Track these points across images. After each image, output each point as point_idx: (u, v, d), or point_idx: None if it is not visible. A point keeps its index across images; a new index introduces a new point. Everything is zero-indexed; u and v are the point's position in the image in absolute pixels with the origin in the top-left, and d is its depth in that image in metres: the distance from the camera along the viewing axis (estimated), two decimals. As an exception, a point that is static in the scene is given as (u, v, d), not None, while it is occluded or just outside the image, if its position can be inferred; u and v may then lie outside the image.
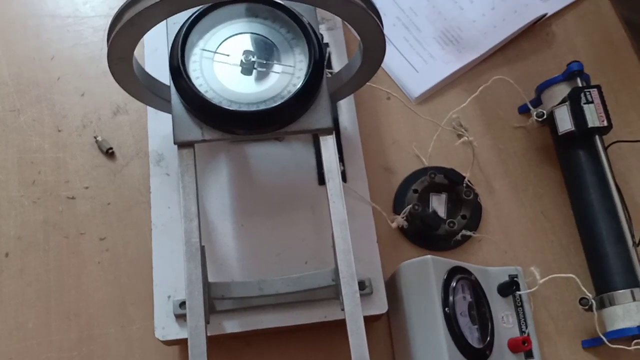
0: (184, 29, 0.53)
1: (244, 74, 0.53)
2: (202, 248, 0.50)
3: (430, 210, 0.65)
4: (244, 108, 0.52)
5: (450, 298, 0.54)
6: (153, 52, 0.66)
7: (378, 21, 0.49)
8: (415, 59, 0.72)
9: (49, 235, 0.64)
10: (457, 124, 0.69)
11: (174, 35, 0.54)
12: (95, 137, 0.67)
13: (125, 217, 0.65)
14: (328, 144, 0.53)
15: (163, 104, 0.57)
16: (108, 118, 0.69)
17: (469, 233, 0.63)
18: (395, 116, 0.71)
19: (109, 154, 0.67)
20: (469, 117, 0.70)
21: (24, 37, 0.72)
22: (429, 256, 0.55)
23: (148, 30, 0.47)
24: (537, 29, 0.75)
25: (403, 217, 0.63)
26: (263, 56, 0.54)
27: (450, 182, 0.65)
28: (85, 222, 0.65)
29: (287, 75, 0.53)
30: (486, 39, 0.72)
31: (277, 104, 0.52)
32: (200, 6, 0.53)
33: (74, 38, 0.72)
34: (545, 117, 0.65)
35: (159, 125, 0.64)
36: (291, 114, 0.52)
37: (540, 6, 0.73)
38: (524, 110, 0.70)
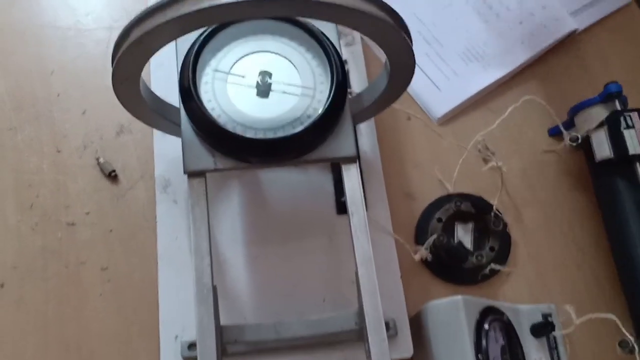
0: (196, 47, 0.49)
1: (260, 97, 0.49)
2: (214, 288, 0.46)
3: (456, 241, 0.61)
4: (260, 135, 0.47)
5: (483, 342, 0.49)
6: (159, 66, 0.62)
7: (409, 40, 0.45)
8: (438, 76, 0.68)
9: (48, 264, 0.60)
10: (483, 147, 0.65)
11: (184, 54, 0.50)
12: (97, 159, 0.63)
13: (129, 245, 0.61)
14: (351, 174, 0.49)
15: (171, 127, 0.53)
16: (111, 138, 0.65)
17: (497, 267, 0.59)
18: (416, 138, 0.66)
19: (112, 176, 0.63)
20: (495, 139, 0.66)
21: (21, 49, 0.68)
22: (459, 297, 0.50)
23: (157, 49, 0.42)
24: (567, 45, 0.71)
25: (427, 249, 0.59)
26: (281, 77, 0.50)
27: (477, 210, 0.61)
28: (86, 250, 0.60)
29: (307, 98, 0.49)
30: (513, 55, 0.68)
31: (296, 130, 0.47)
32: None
33: (75, 51, 0.68)
34: (580, 141, 0.61)
35: (166, 148, 0.60)
36: (312, 141, 0.48)
37: (571, 21, 0.69)
38: (554, 133, 0.66)
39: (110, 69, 0.44)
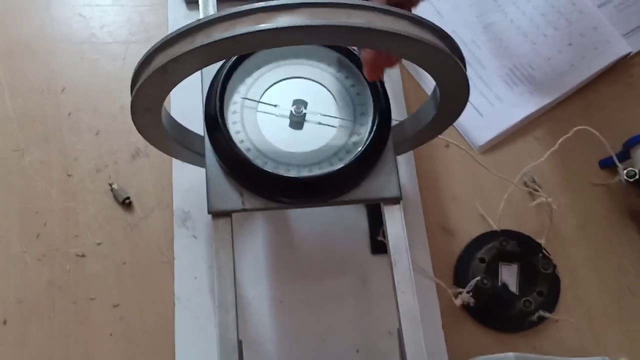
0: (224, 72, 0.44)
1: (293, 128, 0.44)
2: (240, 344, 0.41)
3: (500, 283, 0.55)
4: (293, 172, 0.42)
5: (538, 408, 0.44)
6: (180, 89, 0.56)
7: (463, 67, 0.40)
8: (479, 101, 0.63)
9: (55, 300, 0.55)
10: (529, 180, 0.59)
11: (211, 79, 0.45)
12: (110, 185, 0.58)
13: (143, 280, 0.56)
14: (394, 216, 0.44)
15: (194, 158, 0.48)
16: (125, 162, 0.60)
17: (546, 315, 0.53)
18: (455, 167, 0.61)
19: (126, 204, 0.58)
20: (540, 171, 0.60)
21: (31, 65, 0.63)
22: (512, 354, 0.45)
23: (183, 78, 0.37)
24: (618, 69, 0.65)
25: (469, 293, 0.53)
26: (316, 107, 0.45)
27: (523, 250, 0.56)
28: (96, 285, 0.56)
29: (345, 130, 0.44)
30: (562, 79, 0.63)
31: (334, 167, 0.42)
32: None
33: (88, 67, 0.63)
34: (637, 177, 0.56)
35: (186, 177, 0.55)
36: (351, 180, 0.43)
37: (624, 43, 0.64)
38: (606, 165, 0.61)
39: (126, 87, 0.38)
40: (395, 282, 0.41)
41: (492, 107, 0.62)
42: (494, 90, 0.63)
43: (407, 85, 0.62)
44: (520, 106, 0.62)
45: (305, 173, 0.42)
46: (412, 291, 0.41)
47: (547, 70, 0.63)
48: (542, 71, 0.63)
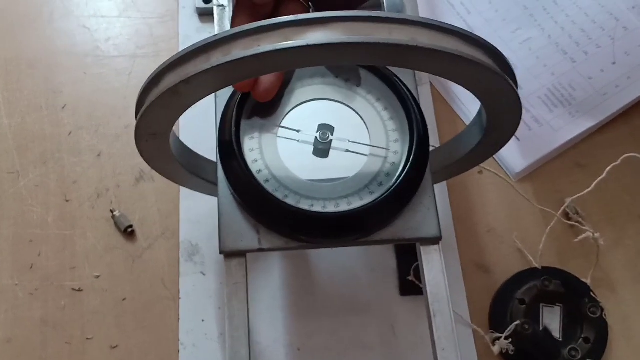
0: (240, 93, 0.39)
1: (318, 156, 0.39)
2: (254, 405, 0.36)
3: (541, 327, 0.50)
4: (317, 207, 0.37)
5: None
6: (189, 109, 0.52)
7: (516, 89, 0.34)
8: (516, 124, 0.57)
9: (47, 340, 0.50)
10: (572, 211, 0.54)
11: (226, 100, 0.40)
12: (112, 211, 0.53)
13: (145, 319, 0.51)
14: (433, 259, 0.38)
15: (205, 186, 0.43)
16: (129, 186, 0.55)
17: (595, 364, 0.48)
18: (489, 196, 0.56)
19: (128, 233, 0.53)
20: (583, 202, 0.55)
21: (30, 79, 0.58)
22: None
23: (197, 101, 0.33)
24: (665, 90, 0.60)
25: (508, 339, 0.48)
26: (344, 133, 0.39)
27: (568, 291, 0.50)
28: (93, 324, 0.50)
29: (377, 160, 0.39)
30: (606, 101, 0.57)
31: (364, 202, 0.37)
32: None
33: (91, 82, 0.58)
34: (695, 212, 0.50)
35: (194, 205, 0.50)
36: (385, 216, 0.38)
37: (673, 63, 0.59)
38: (656, 196, 0.55)
39: (131, 105, 0.34)
40: (435, 337, 0.36)
41: (530, 131, 0.57)
42: (532, 113, 0.58)
43: (437, 107, 0.57)
44: (560, 130, 0.57)
45: (331, 208, 0.37)
46: (455, 348, 0.35)
47: (590, 91, 0.58)
48: (584, 92, 0.58)
